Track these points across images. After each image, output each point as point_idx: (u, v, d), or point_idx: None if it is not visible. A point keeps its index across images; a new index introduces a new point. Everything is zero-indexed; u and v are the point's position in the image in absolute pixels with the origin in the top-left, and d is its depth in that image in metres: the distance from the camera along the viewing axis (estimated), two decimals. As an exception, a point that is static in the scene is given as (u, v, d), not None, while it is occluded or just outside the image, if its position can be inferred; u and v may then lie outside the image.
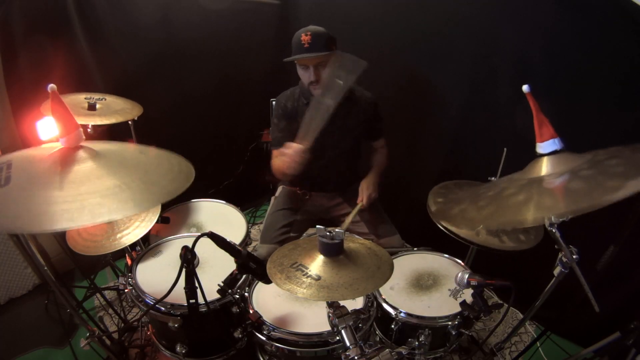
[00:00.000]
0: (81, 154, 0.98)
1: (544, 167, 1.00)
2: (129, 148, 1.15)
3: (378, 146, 1.93)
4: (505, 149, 1.47)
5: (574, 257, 1.09)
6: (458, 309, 1.27)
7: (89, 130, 1.66)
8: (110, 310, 1.97)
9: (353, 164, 1.90)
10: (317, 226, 1.08)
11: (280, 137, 1.71)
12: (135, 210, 0.89)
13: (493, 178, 1.43)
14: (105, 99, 1.77)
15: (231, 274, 1.19)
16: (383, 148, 1.94)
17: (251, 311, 1.30)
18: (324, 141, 1.74)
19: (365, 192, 1.74)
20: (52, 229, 0.80)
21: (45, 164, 0.96)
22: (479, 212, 0.99)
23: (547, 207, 0.86)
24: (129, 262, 1.55)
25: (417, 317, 1.32)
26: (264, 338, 1.26)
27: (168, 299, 1.17)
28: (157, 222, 1.48)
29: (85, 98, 1.73)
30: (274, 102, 2.02)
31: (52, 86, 0.96)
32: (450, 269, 1.52)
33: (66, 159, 0.97)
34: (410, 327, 1.34)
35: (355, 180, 1.83)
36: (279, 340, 1.24)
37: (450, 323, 1.31)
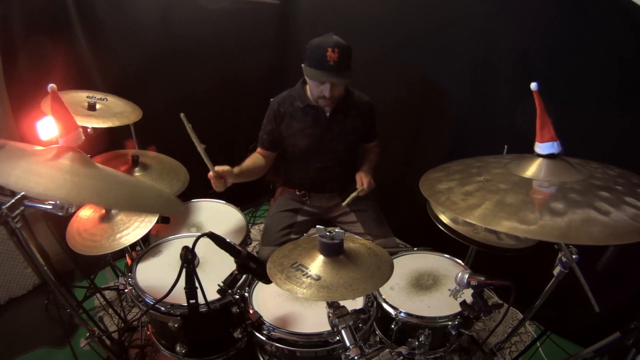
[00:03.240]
0: (75, 155, 1.00)
1: (539, 169, 0.99)
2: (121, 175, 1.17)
3: (371, 146, 1.95)
4: (505, 146, 1.46)
5: (574, 257, 1.09)
6: (458, 309, 1.28)
7: (89, 131, 1.65)
8: (110, 310, 1.97)
9: (350, 166, 1.90)
10: (317, 226, 1.08)
11: (264, 139, 1.77)
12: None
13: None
14: (107, 99, 1.76)
15: (231, 274, 1.20)
16: (376, 147, 1.96)
17: (251, 311, 1.30)
18: (320, 145, 1.75)
19: (365, 179, 1.72)
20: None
21: (38, 154, 0.99)
22: (464, 199, 0.95)
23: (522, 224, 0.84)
24: (129, 262, 1.55)
25: (417, 317, 1.32)
26: (264, 338, 1.26)
27: (168, 299, 1.17)
28: (157, 222, 1.48)
29: (87, 97, 1.71)
30: (272, 102, 2.02)
31: (52, 86, 0.97)
32: (450, 269, 1.52)
33: (60, 154, 0.99)
34: (410, 327, 1.34)
35: (352, 180, 1.83)
36: (279, 340, 1.24)
37: (450, 323, 1.31)
